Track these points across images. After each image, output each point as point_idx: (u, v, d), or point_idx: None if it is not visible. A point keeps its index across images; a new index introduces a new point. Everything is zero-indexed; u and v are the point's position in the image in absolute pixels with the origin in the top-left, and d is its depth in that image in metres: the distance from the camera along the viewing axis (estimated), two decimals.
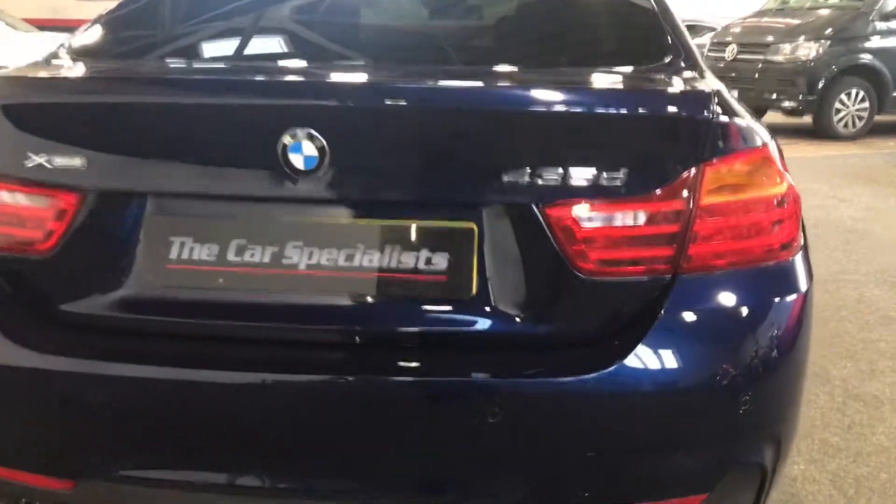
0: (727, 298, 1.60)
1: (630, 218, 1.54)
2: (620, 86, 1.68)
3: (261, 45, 2.16)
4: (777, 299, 1.64)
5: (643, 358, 1.51)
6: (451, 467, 1.55)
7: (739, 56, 10.77)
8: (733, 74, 10.62)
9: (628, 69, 1.77)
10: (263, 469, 1.57)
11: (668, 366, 1.53)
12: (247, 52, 2.12)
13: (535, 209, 1.53)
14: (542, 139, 1.53)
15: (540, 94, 1.57)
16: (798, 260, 1.70)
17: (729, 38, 11.17)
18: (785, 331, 1.63)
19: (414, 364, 1.54)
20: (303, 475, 1.57)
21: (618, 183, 1.52)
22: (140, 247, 1.60)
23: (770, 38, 10.57)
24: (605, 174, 1.51)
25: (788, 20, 10.85)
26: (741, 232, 1.61)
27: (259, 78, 1.70)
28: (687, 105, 1.59)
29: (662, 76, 1.78)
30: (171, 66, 2.02)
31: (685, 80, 1.75)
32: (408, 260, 1.56)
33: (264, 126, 1.50)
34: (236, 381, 1.53)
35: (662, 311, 1.54)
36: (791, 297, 1.66)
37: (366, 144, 1.53)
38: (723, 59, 10.93)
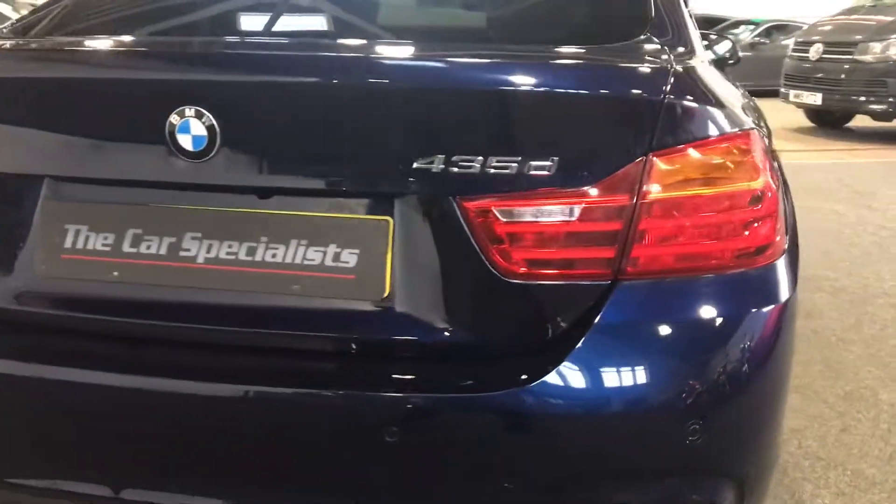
0: (680, 309, 1.37)
1: (561, 214, 1.33)
2: (560, 63, 1.46)
3: (169, 18, 2.01)
4: (746, 312, 1.40)
5: (568, 375, 1.30)
6: (338, 491, 1.37)
7: (825, 56, 10.19)
8: (819, 76, 10.07)
9: (585, 46, 1.56)
10: (149, 478, 1.43)
11: (598, 385, 1.32)
12: (154, 26, 1.97)
13: (453, 202, 1.34)
14: (460, 122, 1.34)
15: (459, 70, 1.39)
16: (778, 267, 1.45)
17: (815, 37, 10.59)
18: (754, 349, 1.39)
19: (310, 373, 1.38)
20: (180, 484, 1.42)
21: (546, 173, 1.31)
22: (35, 235, 1.47)
23: (859, 37, 9.95)
24: (531, 163, 1.31)
25: (881, 17, 10.21)
26: (702, 233, 1.38)
27: (149, 51, 1.55)
28: (634, 85, 1.37)
29: (624, 54, 1.56)
30: (63, 40, 1.87)
31: (650, 59, 1.52)
32: (314, 256, 1.39)
33: (153, 103, 1.36)
34: (123, 385, 1.39)
35: (596, 322, 1.33)
36: (765, 310, 1.42)
37: (263, 125, 1.36)
38: (807, 59, 10.38)
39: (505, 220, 1.33)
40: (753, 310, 1.40)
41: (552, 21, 1.89)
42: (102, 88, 1.42)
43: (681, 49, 1.64)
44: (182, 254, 1.42)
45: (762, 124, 1.65)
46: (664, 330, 1.35)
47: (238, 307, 1.42)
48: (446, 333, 1.37)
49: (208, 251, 1.41)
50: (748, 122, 1.47)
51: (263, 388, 1.34)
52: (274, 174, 1.38)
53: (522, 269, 1.34)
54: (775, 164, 1.56)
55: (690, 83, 1.42)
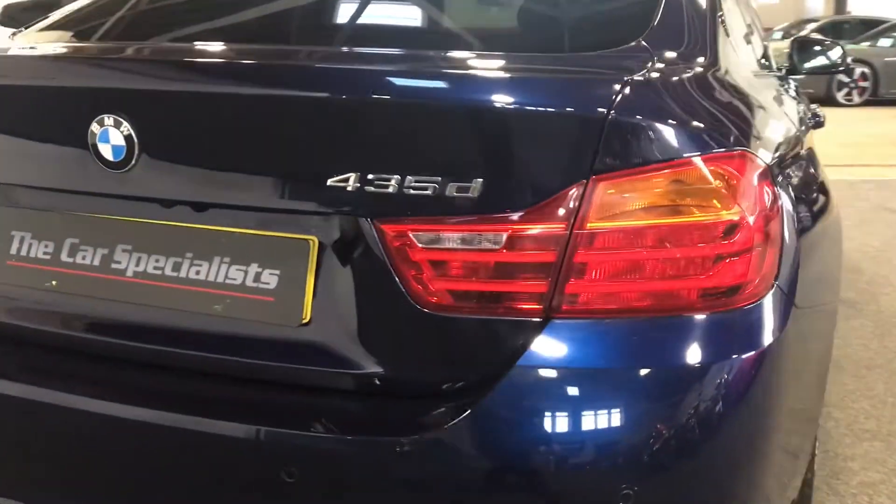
0: (623, 355, 1.21)
1: (485, 241, 1.19)
2: (490, 73, 1.32)
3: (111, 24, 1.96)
4: (710, 362, 1.22)
5: (477, 424, 1.17)
6: None
7: None
8: None
9: (549, 54, 1.42)
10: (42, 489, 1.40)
11: (513, 437, 1.17)
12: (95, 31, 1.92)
13: (370, 224, 1.23)
14: (376, 137, 1.22)
15: (374, 79, 1.27)
16: (759, 310, 1.26)
17: None
18: (714, 408, 1.20)
19: (217, 401, 1.30)
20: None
21: (470, 195, 1.18)
22: None
23: None
24: (453, 184, 1.18)
25: None
26: (655, 269, 1.21)
27: (75, 57, 1.51)
28: (574, 99, 1.21)
29: (587, 63, 1.39)
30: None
31: (611, 69, 1.35)
32: (236, 275, 1.31)
33: (77, 111, 1.32)
34: (38, 399, 1.36)
35: (518, 364, 1.18)
36: (735, 361, 1.23)
37: (181, 135, 1.30)
38: None
39: (423, 245, 1.21)
40: (719, 360, 1.22)
41: (532, 26, 1.74)
42: (35, 95, 1.39)
43: (680, 58, 1.46)
44: (113, 266, 1.38)
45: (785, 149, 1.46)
46: (600, 379, 1.19)
47: (162, 325, 1.37)
48: (362, 367, 1.26)
49: (137, 264, 1.37)
50: (728, 143, 1.28)
51: (162, 412, 1.27)
52: (193, 186, 1.31)
53: (443, 301, 1.21)
54: (777, 191, 1.36)
55: (650, 97, 1.24)
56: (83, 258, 1.40)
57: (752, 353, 1.24)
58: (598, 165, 1.18)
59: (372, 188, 1.20)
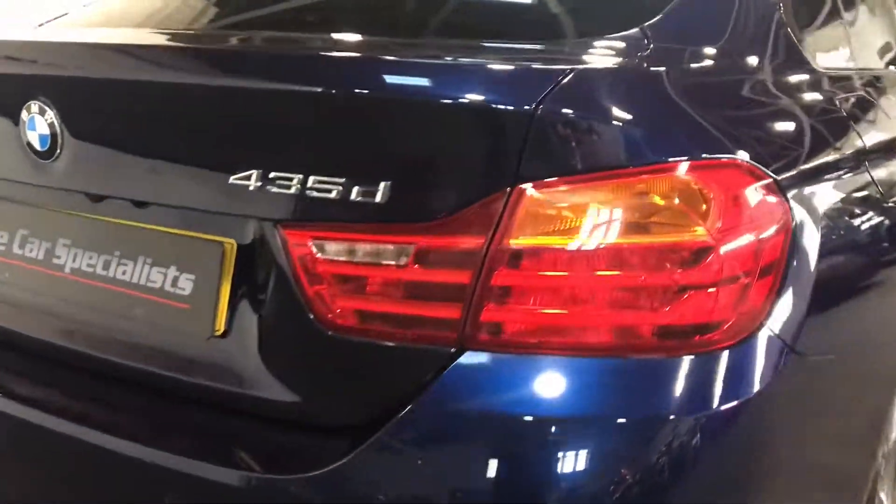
0: (548, 400, 1.00)
1: (392, 255, 1.03)
2: (414, 60, 1.13)
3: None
4: (657, 417, 0.99)
5: (363, 465, 1.01)
6: None
7: None
8: None
9: (513, 42, 1.22)
10: None
11: (403, 484, 1.00)
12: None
13: (275, 229, 1.09)
14: (279, 130, 1.09)
15: (279, 66, 1.13)
16: (734, 356, 1.02)
17: None
18: (659, 475, 0.98)
19: (114, 414, 1.21)
20: None
21: (376, 201, 1.01)
22: None
23: None
24: (358, 187, 1.02)
25: None
26: (595, 298, 1.00)
27: (12, 40, 1.44)
28: (504, 92, 1.01)
29: (541, 53, 1.20)
30: None
31: (563, 59, 1.14)
32: (156, 277, 1.21)
33: (10, 97, 1.26)
34: None
35: (420, 400, 1.01)
36: (695, 417, 1.00)
37: (102, 124, 1.22)
38: None
39: (325, 256, 1.06)
40: (672, 415, 0.99)
41: (513, 11, 1.53)
42: None
43: (684, 50, 1.23)
44: (55, 261, 1.32)
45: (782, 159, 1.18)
46: (513, 427, 0.99)
47: (90, 326, 1.30)
48: (265, 391, 1.13)
49: (74, 260, 1.30)
50: (706, 150, 1.05)
51: (56, 418, 1.20)
52: (114, 180, 1.23)
53: (347, 322, 1.06)
54: (790, 213, 1.10)
55: (598, 91, 1.03)
56: (31, 251, 1.35)
57: (718, 409, 1.01)
58: (524, 171, 0.98)
59: (274, 188, 1.06)
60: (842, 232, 1.24)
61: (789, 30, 1.45)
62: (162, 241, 1.21)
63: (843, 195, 1.29)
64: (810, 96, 1.41)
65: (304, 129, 1.07)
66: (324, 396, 1.10)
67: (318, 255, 1.06)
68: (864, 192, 1.38)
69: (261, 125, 1.09)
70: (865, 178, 1.40)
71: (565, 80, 1.00)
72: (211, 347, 1.17)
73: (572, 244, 0.99)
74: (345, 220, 1.04)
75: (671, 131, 1.05)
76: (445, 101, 1.02)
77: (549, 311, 1.01)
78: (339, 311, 1.05)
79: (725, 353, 1.02)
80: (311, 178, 1.04)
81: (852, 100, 1.59)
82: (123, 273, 1.24)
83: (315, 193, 1.04)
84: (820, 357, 1.14)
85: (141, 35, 1.45)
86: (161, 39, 1.37)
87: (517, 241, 0.99)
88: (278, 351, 1.12)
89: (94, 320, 1.29)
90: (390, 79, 1.07)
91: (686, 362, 1.01)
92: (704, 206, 1.01)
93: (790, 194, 1.12)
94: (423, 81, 1.05)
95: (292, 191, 1.05)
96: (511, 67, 1.09)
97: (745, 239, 1.03)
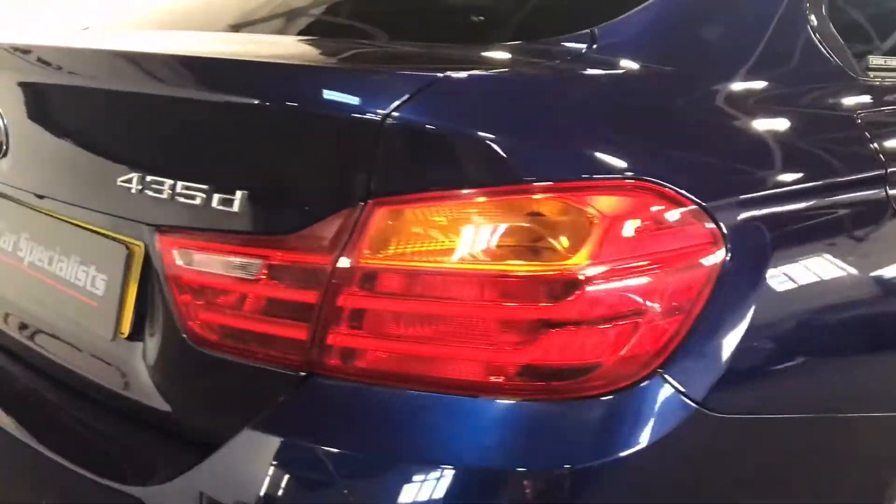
0: (392, 439, 0.91)
1: (244, 268, 0.97)
2: (276, 61, 1.06)
3: None
4: (506, 469, 0.88)
5: (193, 485, 0.96)
6: None
7: None
8: None
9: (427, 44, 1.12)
10: None
11: None
12: None
13: (153, 234, 1.06)
14: (156, 133, 1.07)
15: (161, 72, 1.09)
16: (612, 406, 0.89)
17: None
18: None
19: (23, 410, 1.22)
20: None
21: (235, 210, 0.96)
22: None
23: None
24: (219, 195, 0.97)
25: None
26: (450, 330, 0.90)
27: None
28: (359, 99, 0.92)
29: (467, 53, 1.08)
30: None
31: (484, 60, 1.03)
32: (81, 275, 1.22)
33: None
34: None
35: (257, 422, 0.95)
36: (547, 473, 0.88)
37: (42, 124, 1.24)
38: None
39: (189, 266, 1.02)
40: (513, 466, 0.87)
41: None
42: None
43: (624, 56, 1.07)
44: (18, 254, 1.36)
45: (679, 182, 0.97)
46: (337, 461, 0.91)
47: (37, 320, 1.33)
48: (151, 397, 1.10)
49: (31, 254, 1.34)
50: (598, 170, 0.91)
51: None
52: (47, 180, 1.25)
53: (209, 337, 1.01)
54: (716, 244, 0.94)
55: (465, 100, 0.92)
56: (4, 242, 1.40)
57: (581, 465, 0.87)
58: (377, 186, 0.89)
59: (151, 192, 1.03)
60: (797, 277, 1.02)
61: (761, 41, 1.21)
62: (87, 239, 1.21)
63: (806, 233, 1.06)
64: (769, 117, 1.14)
65: (173, 133, 1.05)
66: (193, 410, 1.06)
67: (184, 264, 1.02)
68: (834, 234, 1.10)
69: (138, 128, 1.07)
70: (837, 216, 1.11)
71: (429, 87, 0.90)
72: (116, 349, 1.16)
73: (424, 267, 0.89)
74: (207, 229, 1.00)
75: (552, 147, 0.92)
76: (297, 108, 0.95)
77: (400, 340, 0.91)
78: (201, 324, 1.01)
79: (598, 402, 0.88)
80: (180, 184, 1.00)
81: (825, 121, 1.22)
82: (61, 269, 1.26)
83: (183, 200, 1.00)
84: (742, 417, 0.96)
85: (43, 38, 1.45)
86: (59, 41, 1.36)
87: (365, 261, 0.91)
88: (161, 360, 1.09)
89: (40, 314, 1.32)
90: (242, 82, 1.00)
91: (547, 408, 0.89)
92: (576, 233, 0.88)
93: (727, 226, 0.95)
94: (275, 86, 0.98)
95: (164, 196, 1.02)
96: (373, 74, 0.99)
97: (639, 273, 0.89)
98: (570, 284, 0.87)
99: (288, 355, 0.95)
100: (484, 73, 0.98)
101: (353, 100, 0.92)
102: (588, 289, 0.87)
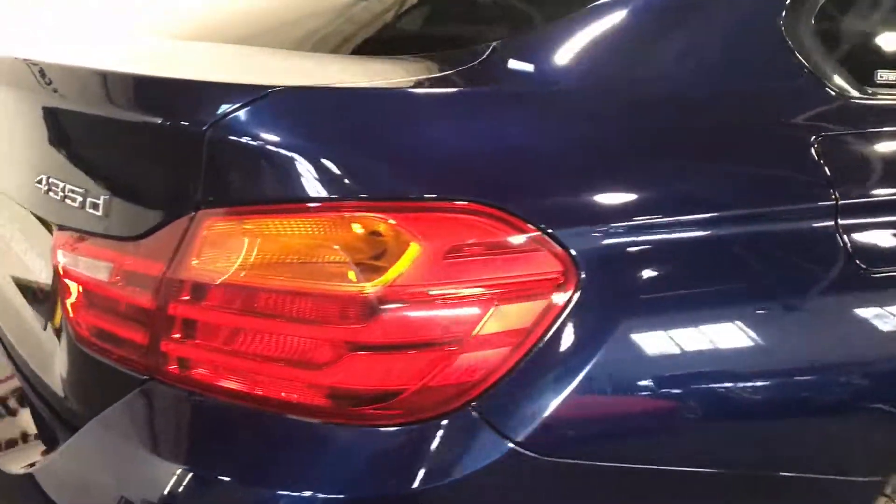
0: (202, 451, 0.92)
1: (100, 270, 1.01)
2: (130, 68, 1.08)
3: None
4: (294, 491, 0.86)
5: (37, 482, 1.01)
6: None
7: None
8: None
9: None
10: None
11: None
12: None
13: (52, 232, 1.13)
14: (50, 137, 1.11)
15: (35, 80, 1.13)
16: (406, 436, 0.86)
17: None
18: None
19: None
20: None
21: (99, 213, 1.00)
22: None
23: None
24: (90, 198, 1.02)
25: None
26: (268, 344, 0.89)
27: None
28: (188, 110, 0.93)
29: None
30: None
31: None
32: (38, 265, 1.31)
33: None
34: None
35: (96, 421, 0.99)
36: (333, 499, 0.85)
37: None
38: None
39: (68, 266, 1.06)
40: (300, 489, 0.86)
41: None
42: None
43: (513, 72, 1.00)
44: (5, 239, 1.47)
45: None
46: (150, 470, 0.92)
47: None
48: (49, 392, 1.17)
49: (13, 241, 1.44)
50: (428, 189, 0.87)
51: None
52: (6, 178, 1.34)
53: (83, 333, 1.06)
54: (569, 275, 0.88)
55: (289, 114, 0.90)
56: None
57: (365, 496, 0.84)
58: (204, 196, 0.90)
59: (52, 193, 1.09)
60: (661, 324, 0.92)
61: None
62: (41, 234, 1.29)
63: (685, 271, 0.95)
64: (644, 142, 1.00)
65: (58, 137, 1.09)
66: (76, 401, 1.11)
67: (66, 263, 1.07)
68: (718, 275, 0.97)
69: (43, 132, 1.12)
70: (726, 253, 0.98)
71: (254, 101, 0.89)
72: (50, 339, 1.23)
73: (241, 281, 0.89)
74: (81, 230, 1.04)
75: (375, 165, 0.89)
76: (138, 117, 0.97)
77: (223, 353, 0.92)
78: (77, 321, 1.06)
79: (398, 431, 0.85)
80: (67, 186, 1.05)
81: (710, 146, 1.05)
82: (27, 257, 1.35)
83: (67, 201, 1.05)
84: (564, 462, 0.89)
85: None
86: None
87: (193, 272, 0.92)
88: (63, 353, 1.15)
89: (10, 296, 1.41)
90: (93, 92, 1.04)
91: (347, 433, 0.86)
92: (386, 254, 0.85)
93: (583, 257, 0.88)
94: (117, 95, 1.01)
95: (58, 197, 1.07)
96: (202, 85, 0.98)
97: (455, 300, 0.85)
98: (371, 307, 0.84)
99: (133, 358, 0.98)
100: (317, 86, 0.96)
101: (182, 109, 0.93)
102: (392, 313, 0.84)
